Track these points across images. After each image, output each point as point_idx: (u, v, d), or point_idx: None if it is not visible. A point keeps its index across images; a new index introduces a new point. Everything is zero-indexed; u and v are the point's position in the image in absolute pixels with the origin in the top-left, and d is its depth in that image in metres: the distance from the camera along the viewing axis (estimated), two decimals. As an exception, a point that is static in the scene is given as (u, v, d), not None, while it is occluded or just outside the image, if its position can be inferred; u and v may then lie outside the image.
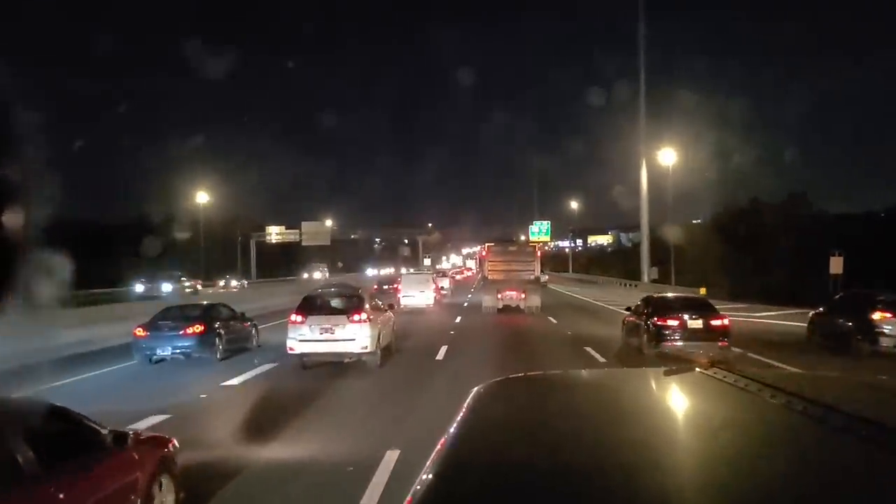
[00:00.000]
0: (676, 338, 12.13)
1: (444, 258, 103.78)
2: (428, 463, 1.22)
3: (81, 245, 30.09)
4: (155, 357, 12.65)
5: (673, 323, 12.26)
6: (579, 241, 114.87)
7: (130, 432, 4.38)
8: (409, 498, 1.07)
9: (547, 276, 43.23)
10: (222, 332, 13.43)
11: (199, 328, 12.78)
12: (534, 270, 25.40)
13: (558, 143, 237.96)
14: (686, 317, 12.31)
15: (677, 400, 1.77)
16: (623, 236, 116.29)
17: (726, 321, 12.42)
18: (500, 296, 24.69)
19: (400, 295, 28.38)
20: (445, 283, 39.80)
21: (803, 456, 1.22)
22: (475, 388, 1.77)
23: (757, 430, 1.41)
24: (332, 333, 11.60)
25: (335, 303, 12.46)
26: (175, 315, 13.44)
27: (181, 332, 12.66)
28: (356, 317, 11.68)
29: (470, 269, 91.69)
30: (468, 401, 1.67)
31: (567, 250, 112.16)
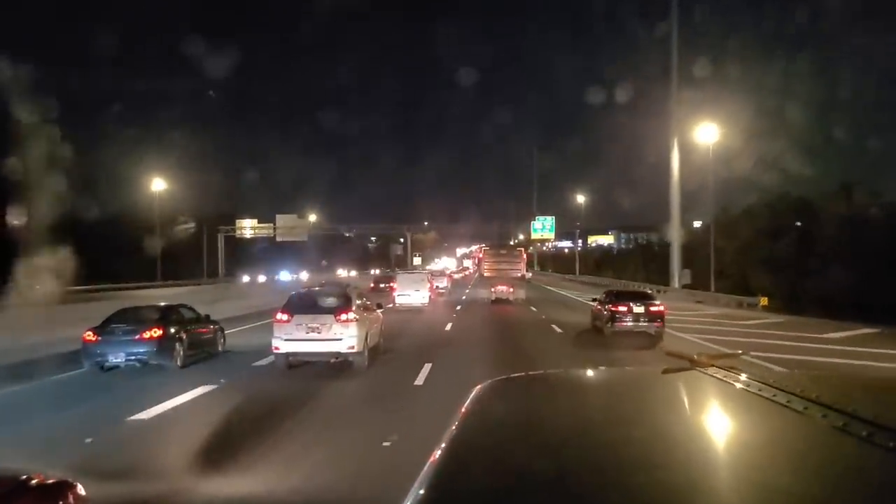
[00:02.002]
0: (626, 320, 16.19)
1: (435, 259, 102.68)
2: (428, 462, 1.23)
3: (82, 241, 29.50)
4: (107, 364, 11.69)
5: (623, 308, 16.30)
6: (579, 242, 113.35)
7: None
8: (410, 495, 1.08)
9: (530, 274, 49.10)
10: (183, 336, 12.52)
11: (156, 332, 11.85)
12: (520, 269, 33.23)
13: (557, 141, 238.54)
14: (633, 304, 16.37)
15: (677, 399, 1.80)
16: (624, 237, 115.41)
17: (662, 307, 16.57)
18: (493, 289, 31.69)
19: (395, 294, 29.29)
20: (442, 282, 41.23)
21: (804, 456, 1.23)
22: (476, 388, 1.81)
23: (756, 429, 1.42)
24: (319, 333, 11.57)
25: (322, 302, 12.43)
26: (131, 317, 12.52)
27: (136, 337, 11.72)
28: (343, 316, 11.64)
29: (467, 268, 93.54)
30: (468, 400, 1.70)
31: (567, 251, 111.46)
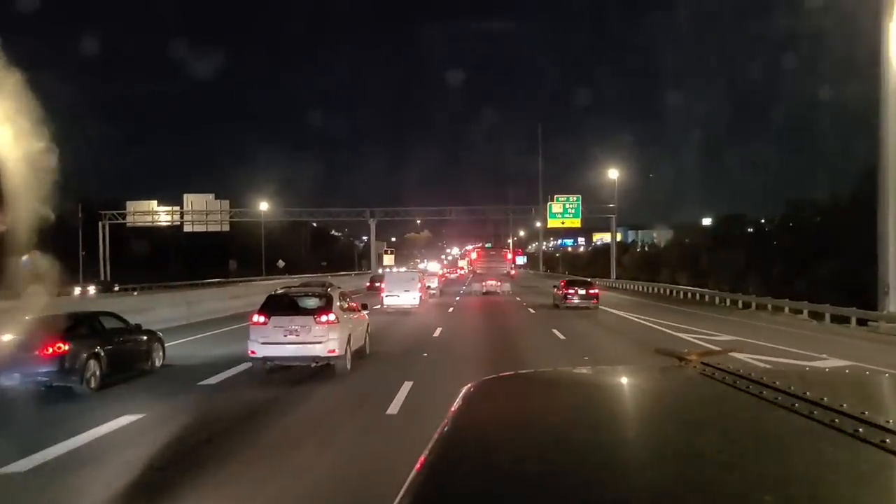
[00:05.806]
0: (574, 299, 28.55)
1: (419, 261, 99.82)
2: (418, 461, 1.27)
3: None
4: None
5: (571, 291, 29.00)
6: (581, 240, 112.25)
7: None
8: (400, 496, 1.12)
9: (515, 272, 57.58)
10: (100, 351, 11.09)
11: (61, 347, 10.34)
12: (506, 267, 45.13)
13: (556, 140, 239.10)
14: (578, 288, 29.21)
15: (666, 397, 1.88)
16: (631, 234, 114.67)
17: (596, 290, 29.43)
18: (484, 284, 41.72)
19: (383, 295, 29.29)
20: (433, 282, 42.33)
21: (791, 452, 1.28)
22: (465, 387, 1.87)
23: (746, 426, 1.49)
24: (298, 335, 11.57)
25: (301, 303, 12.41)
26: (35, 329, 10.44)
27: (36, 353, 10.19)
28: (323, 318, 11.65)
29: (462, 267, 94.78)
30: (458, 399, 1.76)
31: (570, 249, 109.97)
